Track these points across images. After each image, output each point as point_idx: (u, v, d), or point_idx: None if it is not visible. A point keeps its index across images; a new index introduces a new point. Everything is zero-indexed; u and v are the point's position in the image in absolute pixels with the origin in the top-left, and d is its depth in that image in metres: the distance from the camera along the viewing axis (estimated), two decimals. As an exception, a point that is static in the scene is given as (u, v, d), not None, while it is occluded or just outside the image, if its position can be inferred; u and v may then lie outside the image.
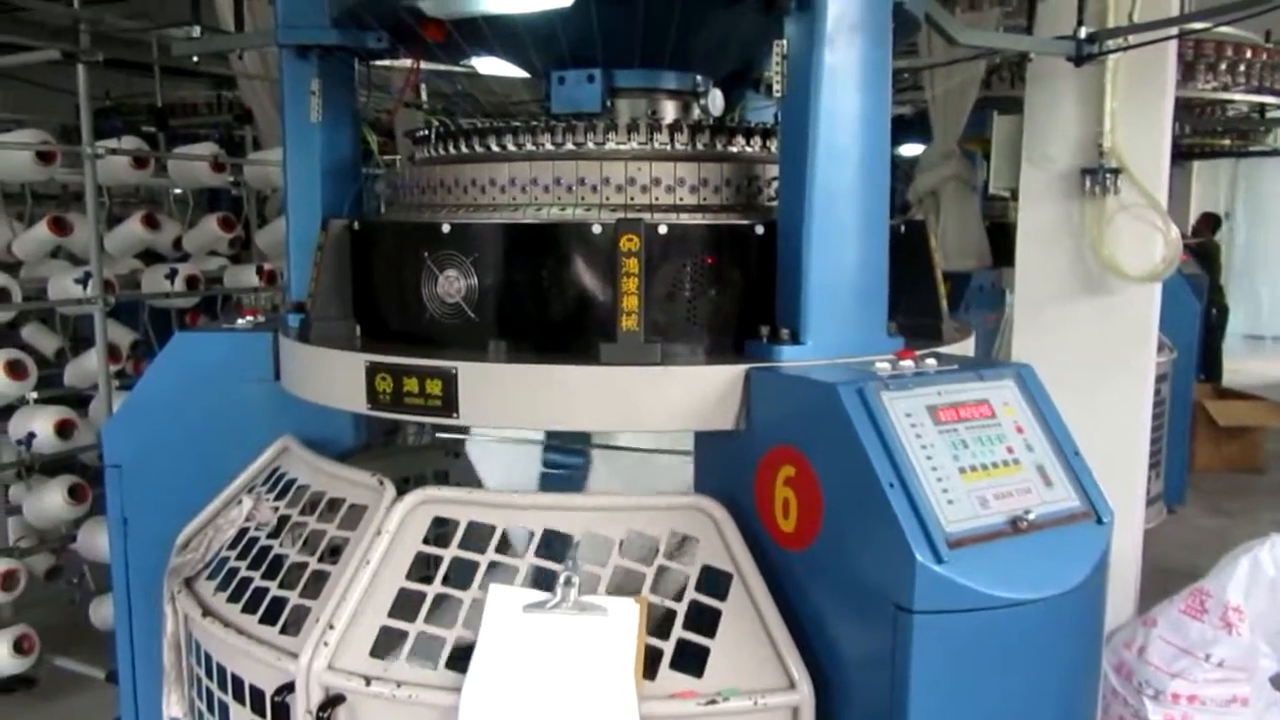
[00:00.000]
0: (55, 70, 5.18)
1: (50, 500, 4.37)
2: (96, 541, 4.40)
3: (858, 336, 1.87)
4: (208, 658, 2.01)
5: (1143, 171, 3.61)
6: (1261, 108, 6.77)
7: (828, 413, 1.61)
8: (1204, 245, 9.78)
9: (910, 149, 5.97)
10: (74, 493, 4.38)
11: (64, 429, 4.32)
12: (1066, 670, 1.66)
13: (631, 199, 2.01)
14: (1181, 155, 8.53)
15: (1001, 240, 5.36)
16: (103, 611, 4.47)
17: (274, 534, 2.09)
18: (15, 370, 4.15)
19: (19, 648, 4.19)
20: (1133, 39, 3.27)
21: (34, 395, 4.38)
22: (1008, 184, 4.03)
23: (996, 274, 5.40)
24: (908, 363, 1.76)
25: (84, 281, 4.27)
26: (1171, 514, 6.30)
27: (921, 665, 1.51)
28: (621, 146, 2.05)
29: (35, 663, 4.30)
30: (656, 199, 2.01)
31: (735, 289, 1.94)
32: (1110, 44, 3.21)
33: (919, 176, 5.50)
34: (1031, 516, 1.59)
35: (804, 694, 1.63)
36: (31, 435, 4.22)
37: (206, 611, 2.01)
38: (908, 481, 1.54)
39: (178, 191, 5.46)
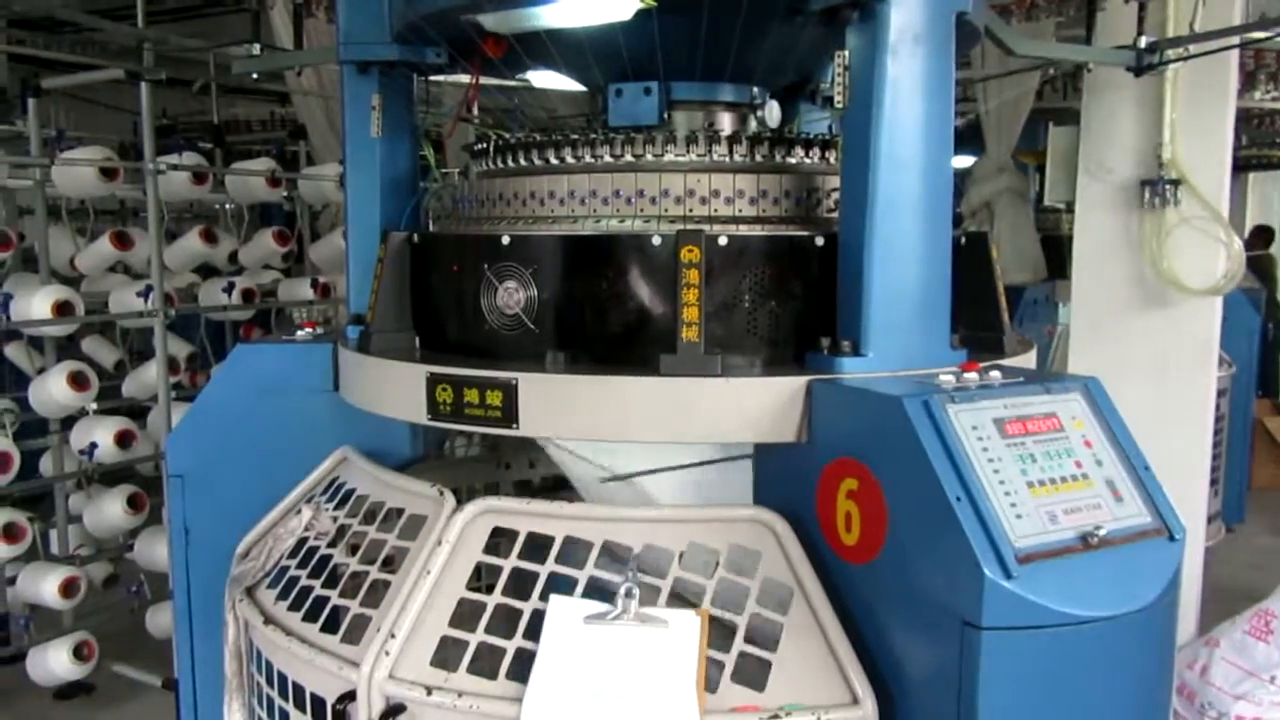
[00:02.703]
0: (113, 89, 5.31)
1: (109, 509, 4.45)
2: (154, 550, 4.48)
3: (920, 349, 1.85)
4: (269, 666, 2.03)
5: (1203, 183, 3.55)
6: (1322, 119, 6.62)
7: (893, 425, 1.59)
8: (1260, 259, 9.56)
9: (961, 161, 5.93)
10: (132, 502, 4.46)
11: (124, 440, 4.40)
12: (1138, 689, 1.63)
13: (690, 211, 2.01)
14: (1238, 167, 8.36)
15: (1055, 253, 5.30)
16: (160, 619, 4.55)
17: (333, 543, 2.11)
18: (78, 382, 4.24)
19: (79, 654, 4.27)
20: (1194, 48, 3.22)
21: (94, 406, 4.46)
22: (1064, 196, 3.99)
23: (1051, 287, 5.33)
24: (972, 375, 1.74)
25: (145, 295, 4.35)
26: (1230, 532, 6.17)
27: (989, 683, 1.48)
28: (680, 159, 2.05)
29: (94, 669, 4.37)
30: (715, 211, 2.01)
31: (795, 300, 1.93)
32: (1171, 54, 3.16)
33: (972, 189, 5.45)
34: (1102, 532, 1.56)
35: (868, 710, 1.61)
36: (94, 445, 4.30)
37: (268, 620, 2.03)
38: (975, 495, 1.52)
39: (231, 207, 5.55)
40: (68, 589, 4.22)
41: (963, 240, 2.16)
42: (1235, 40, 3.40)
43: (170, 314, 4.40)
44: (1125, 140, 3.63)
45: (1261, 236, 10.40)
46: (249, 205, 5.35)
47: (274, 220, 6.05)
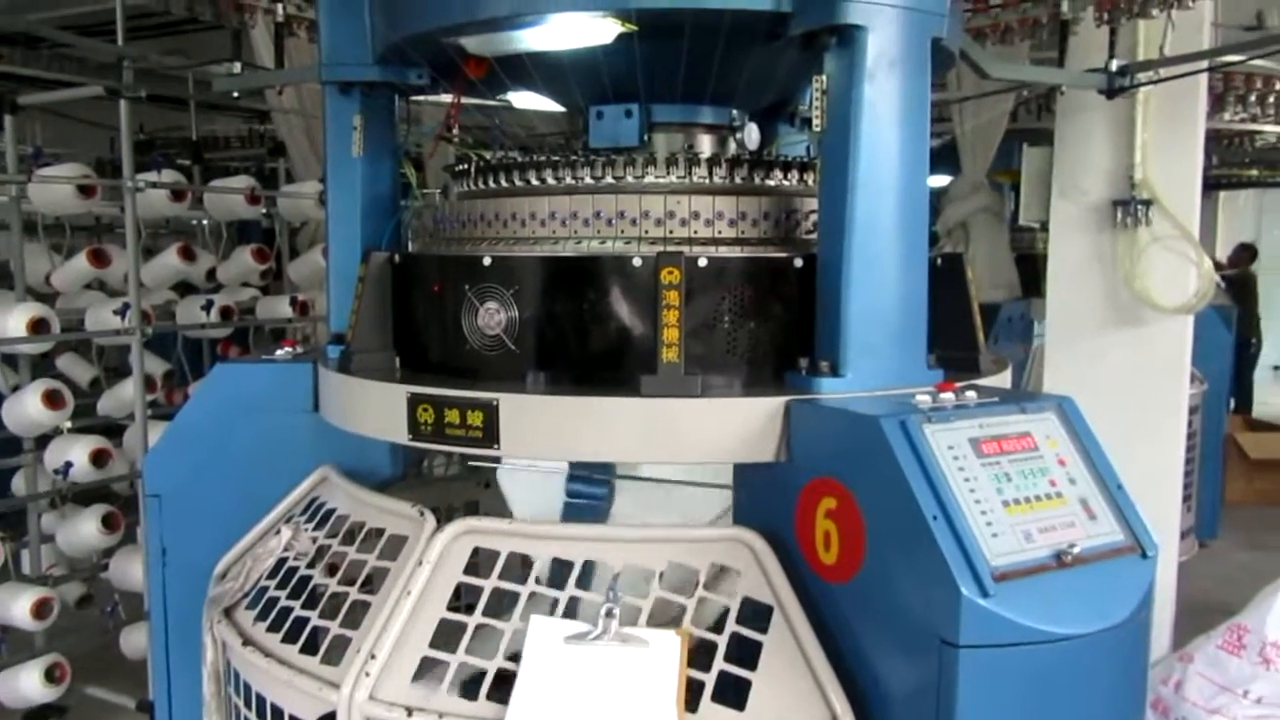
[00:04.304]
0: (90, 105, 5.29)
1: (84, 529, 4.42)
2: (129, 570, 4.45)
3: (897, 369, 1.87)
4: (247, 687, 2.02)
5: (1174, 203, 3.62)
6: (1290, 139, 6.74)
7: (871, 445, 1.61)
8: (1241, 276, 9.70)
9: (937, 180, 5.99)
10: (107, 521, 4.42)
11: (99, 458, 4.37)
12: (1112, 705, 1.65)
13: (670, 232, 2.02)
14: (1208, 186, 8.51)
15: (1030, 271, 5.37)
16: (134, 640, 4.51)
17: (312, 564, 2.10)
18: (53, 400, 4.21)
19: (51, 676, 4.22)
20: (1164, 72, 3.28)
21: (68, 425, 4.43)
22: (1038, 216, 4.04)
23: (1025, 305, 5.39)
24: (948, 395, 1.76)
25: (122, 312, 4.33)
26: (1204, 548, 6.23)
27: (967, 700, 1.49)
28: (660, 180, 2.07)
29: (66, 691, 4.32)
30: (695, 232, 2.02)
31: (774, 321, 1.94)
32: (1141, 77, 3.22)
33: (948, 208, 5.51)
34: (1076, 550, 1.58)
35: (847, 728, 1.62)
36: (68, 464, 4.27)
37: (246, 641, 2.02)
38: (952, 514, 1.54)
39: (209, 223, 5.54)
40: (40, 610, 4.17)
41: (939, 261, 2.19)
42: (1204, 64, 3.47)
43: (147, 331, 4.38)
44: (1098, 161, 3.69)
45: (1245, 253, 10.55)
46: (227, 222, 5.33)
47: (252, 237, 6.02)
